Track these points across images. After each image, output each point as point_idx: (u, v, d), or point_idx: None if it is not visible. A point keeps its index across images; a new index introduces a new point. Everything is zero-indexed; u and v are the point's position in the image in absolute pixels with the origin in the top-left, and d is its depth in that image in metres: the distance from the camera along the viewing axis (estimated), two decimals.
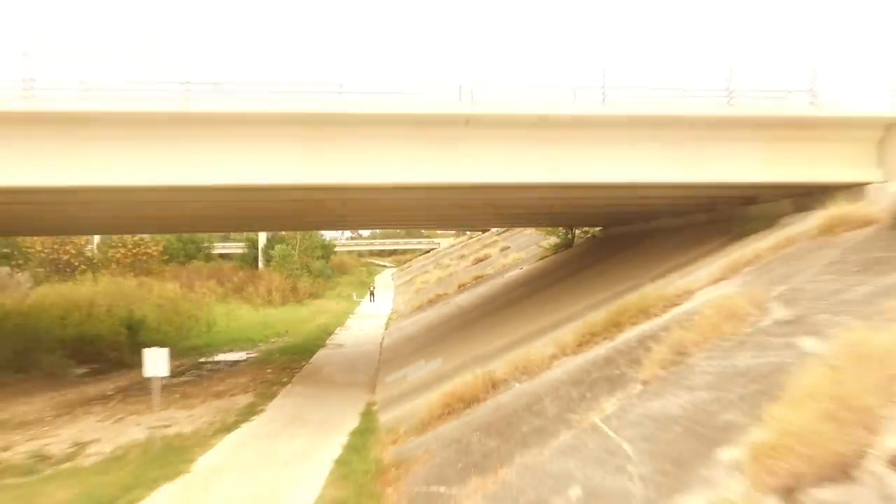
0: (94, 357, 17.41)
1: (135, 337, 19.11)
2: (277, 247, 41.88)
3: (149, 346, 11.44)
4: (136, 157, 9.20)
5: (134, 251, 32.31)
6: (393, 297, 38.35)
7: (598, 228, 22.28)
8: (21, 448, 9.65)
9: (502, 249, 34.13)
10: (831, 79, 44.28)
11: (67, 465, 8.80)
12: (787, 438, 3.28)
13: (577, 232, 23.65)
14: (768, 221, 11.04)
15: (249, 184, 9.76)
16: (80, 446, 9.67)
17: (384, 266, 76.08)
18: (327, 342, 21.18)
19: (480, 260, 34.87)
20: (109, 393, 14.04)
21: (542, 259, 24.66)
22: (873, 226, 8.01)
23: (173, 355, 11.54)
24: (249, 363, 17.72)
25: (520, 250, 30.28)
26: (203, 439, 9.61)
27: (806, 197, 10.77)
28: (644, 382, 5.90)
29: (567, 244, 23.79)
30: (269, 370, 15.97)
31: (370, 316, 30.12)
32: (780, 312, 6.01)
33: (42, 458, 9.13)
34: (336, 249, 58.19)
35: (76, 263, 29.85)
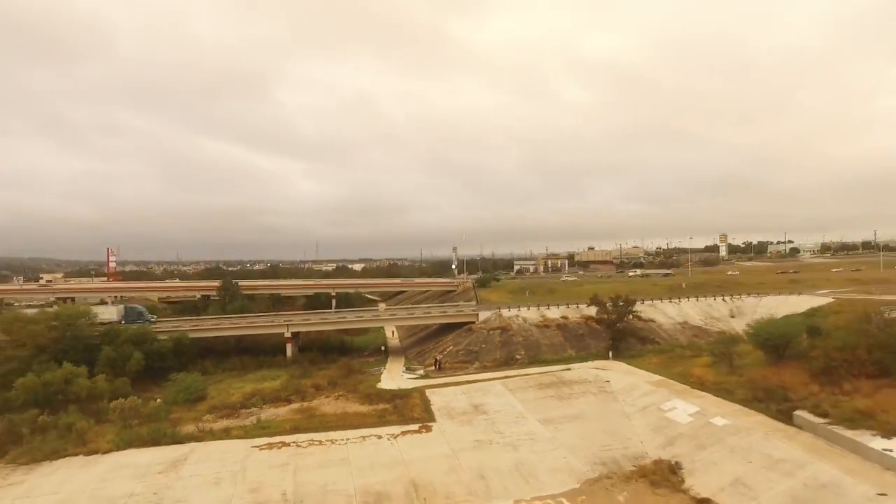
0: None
1: (350, 344, 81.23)
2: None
3: (358, 350, 73.61)
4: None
5: None
6: (396, 331, 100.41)
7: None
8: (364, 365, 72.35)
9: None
10: None
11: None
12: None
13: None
14: (460, 328, 74.45)
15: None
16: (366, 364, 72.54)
17: (377, 300, 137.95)
18: (389, 346, 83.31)
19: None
20: (363, 358, 76.31)
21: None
22: (477, 330, 71.83)
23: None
24: (378, 351, 79.69)
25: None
26: (379, 363, 72.13)
27: (467, 322, 74.13)
28: (439, 344, 69.55)
29: None
30: (382, 353, 78.27)
31: (392, 338, 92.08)
32: (459, 348, 69.80)
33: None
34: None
35: None
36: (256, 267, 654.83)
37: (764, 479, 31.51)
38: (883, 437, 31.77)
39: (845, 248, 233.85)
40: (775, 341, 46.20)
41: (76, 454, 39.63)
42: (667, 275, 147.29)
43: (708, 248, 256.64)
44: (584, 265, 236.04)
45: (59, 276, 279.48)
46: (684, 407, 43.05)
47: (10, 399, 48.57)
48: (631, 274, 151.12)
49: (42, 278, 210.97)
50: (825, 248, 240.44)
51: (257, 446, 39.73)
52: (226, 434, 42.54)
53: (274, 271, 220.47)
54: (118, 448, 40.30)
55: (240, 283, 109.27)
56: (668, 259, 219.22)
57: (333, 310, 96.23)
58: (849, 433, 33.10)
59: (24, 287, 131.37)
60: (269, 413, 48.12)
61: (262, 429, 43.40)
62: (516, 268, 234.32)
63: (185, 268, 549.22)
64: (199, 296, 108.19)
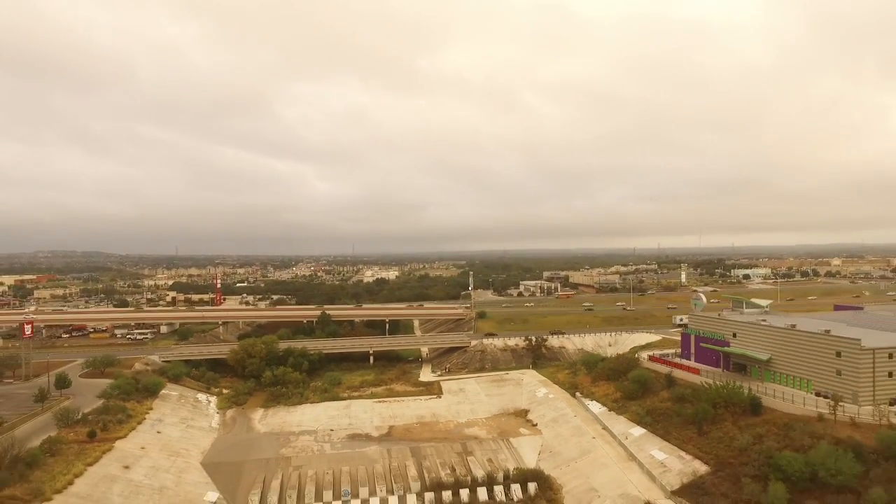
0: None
1: (401, 354, 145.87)
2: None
3: (405, 358, 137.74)
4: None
5: None
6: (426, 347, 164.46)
7: None
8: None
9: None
10: None
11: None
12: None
13: None
14: (461, 349, 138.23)
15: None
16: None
17: (415, 316, 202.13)
18: (423, 357, 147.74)
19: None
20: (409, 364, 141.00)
21: None
22: (469, 351, 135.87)
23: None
24: (416, 360, 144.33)
25: None
26: (418, 367, 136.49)
27: (464, 346, 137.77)
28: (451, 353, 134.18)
29: None
30: (418, 361, 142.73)
31: (424, 353, 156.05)
32: (459, 361, 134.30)
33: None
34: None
35: None
36: (300, 267, 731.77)
37: (549, 410, 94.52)
38: (589, 399, 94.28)
39: (786, 276, 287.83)
40: (589, 364, 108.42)
41: (306, 403, 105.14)
42: (622, 307, 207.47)
43: (700, 262, 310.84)
44: (575, 286, 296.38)
45: (169, 284, 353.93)
46: (544, 391, 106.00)
47: (263, 382, 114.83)
48: (585, 304, 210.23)
49: (168, 296, 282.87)
50: (774, 275, 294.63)
51: (375, 401, 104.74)
52: (360, 397, 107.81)
53: (334, 290, 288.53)
54: (321, 401, 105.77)
55: (329, 313, 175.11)
56: (640, 284, 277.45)
57: (390, 335, 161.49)
58: (583, 399, 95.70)
59: (205, 314, 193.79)
60: (373, 390, 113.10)
61: (374, 396, 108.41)
62: (521, 286, 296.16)
63: (240, 270, 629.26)
64: (305, 321, 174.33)
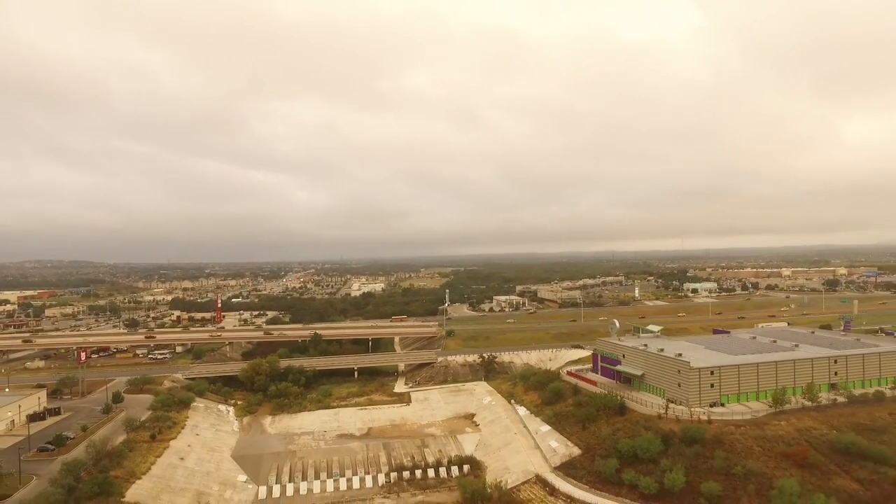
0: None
1: (381, 369, 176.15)
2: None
3: (385, 371, 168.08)
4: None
5: None
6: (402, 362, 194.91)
7: None
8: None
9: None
10: None
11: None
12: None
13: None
14: (429, 364, 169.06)
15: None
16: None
17: (397, 329, 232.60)
18: (399, 370, 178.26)
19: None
20: (387, 377, 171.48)
21: None
22: (436, 367, 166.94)
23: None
24: (393, 373, 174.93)
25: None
26: (394, 380, 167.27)
27: (432, 362, 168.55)
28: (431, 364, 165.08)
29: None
30: (395, 375, 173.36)
31: (401, 367, 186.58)
32: (427, 375, 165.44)
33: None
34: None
35: None
36: (289, 278, 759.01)
37: (489, 413, 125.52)
38: (519, 405, 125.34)
39: (728, 290, 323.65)
40: (525, 377, 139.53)
41: (304, 411, 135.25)
42: (572, 321, 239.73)
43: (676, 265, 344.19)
44: (541, 301, 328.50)
45: (168, 300, 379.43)
46: (489, 399, 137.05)
47: (269, 394, 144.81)
48: (508, 321, 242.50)
49: (173, 314, 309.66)
50: (719, 289, 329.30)
51: (358, 409, 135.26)
52: (346, 405, 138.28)
53: (324, 306, 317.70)
54: (316, 409, 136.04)
55: (321, 333, 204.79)
56: (598, 298, 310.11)
57: (372, 352, 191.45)
58: (515, 405, 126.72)
59: (213, 334, 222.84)
60: (357, 399, 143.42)
61: (357, 405, 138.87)
62: (494, 301, 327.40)
63: (232, 282, 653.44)
64: (300, 340, 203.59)
